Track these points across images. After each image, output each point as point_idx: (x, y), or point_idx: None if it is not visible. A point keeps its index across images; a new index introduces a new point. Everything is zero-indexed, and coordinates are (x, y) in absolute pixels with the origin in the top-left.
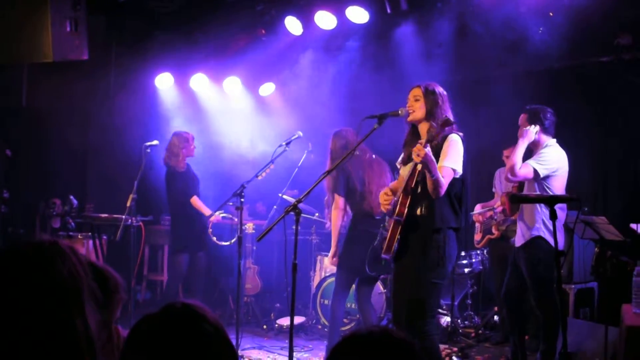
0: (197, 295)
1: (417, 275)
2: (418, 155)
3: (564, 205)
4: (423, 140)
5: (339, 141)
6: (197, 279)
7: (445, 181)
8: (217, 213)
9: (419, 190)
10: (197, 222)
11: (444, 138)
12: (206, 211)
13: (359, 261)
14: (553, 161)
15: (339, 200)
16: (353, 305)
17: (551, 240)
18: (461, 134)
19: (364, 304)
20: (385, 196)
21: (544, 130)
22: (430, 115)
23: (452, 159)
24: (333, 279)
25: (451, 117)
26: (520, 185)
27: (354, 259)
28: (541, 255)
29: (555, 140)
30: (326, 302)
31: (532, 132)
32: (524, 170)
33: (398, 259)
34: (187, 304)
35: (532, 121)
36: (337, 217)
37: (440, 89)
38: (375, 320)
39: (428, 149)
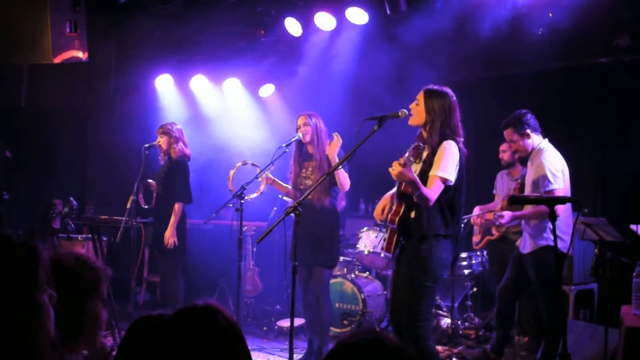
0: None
1: (409, 279)
2: (394, 173)
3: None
4: (402, 160)
5: (320, 121)
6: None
7: (433, 192)
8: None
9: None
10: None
11: (439, 144)
12: None
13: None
14: (559, 162)
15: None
16: (353, 307)
17: (558, 245)
18: (461, 139)
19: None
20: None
21: (533, 130)
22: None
23: (444, 167)
24: (333, 280)
25: (456, 122)
26: (521, 187)
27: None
28: (551, 258)
29: (547, 139)
30: None
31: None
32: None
33: (397, 262)
34: (207, 302)
35: (518, 130)
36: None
37: (445, 93)
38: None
39: (407, 170)
